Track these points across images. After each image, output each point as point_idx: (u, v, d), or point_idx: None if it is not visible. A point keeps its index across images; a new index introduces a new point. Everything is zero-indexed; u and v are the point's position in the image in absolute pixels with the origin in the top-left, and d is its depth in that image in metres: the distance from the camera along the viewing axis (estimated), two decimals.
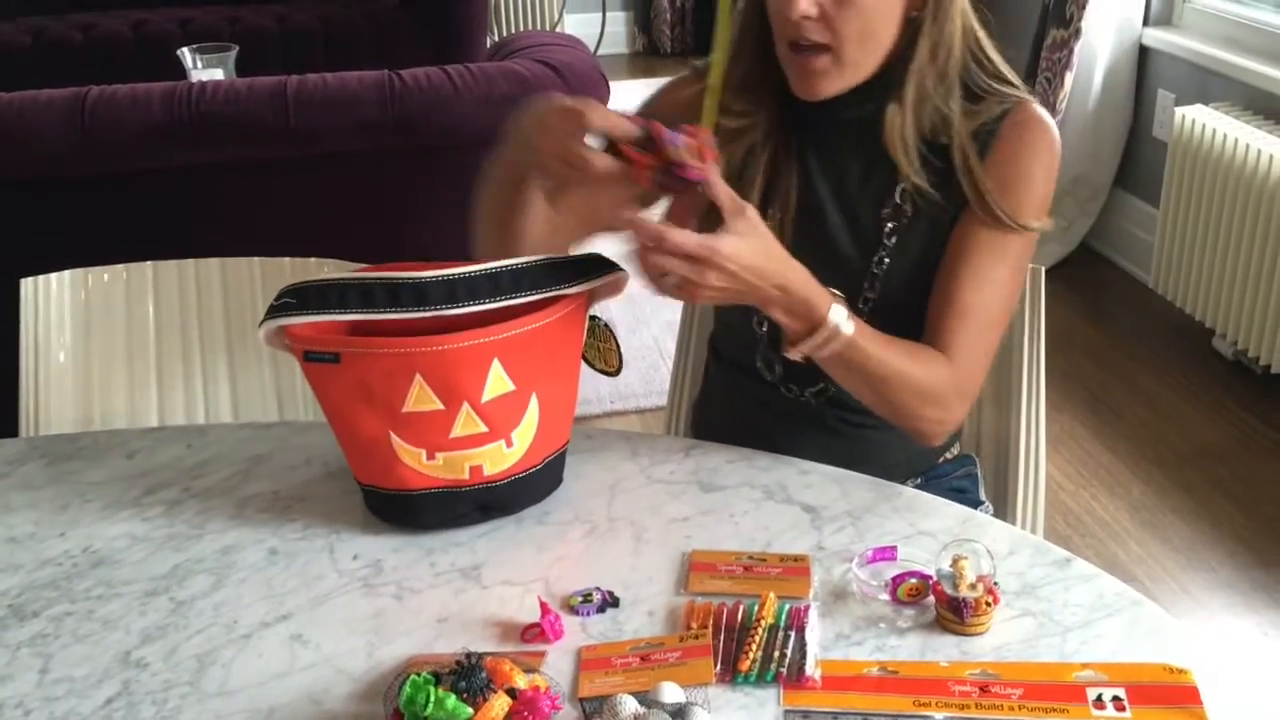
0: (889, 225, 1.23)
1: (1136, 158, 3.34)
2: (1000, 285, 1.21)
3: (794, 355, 1.11)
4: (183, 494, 1.17)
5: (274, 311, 1.05)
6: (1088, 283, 3.34)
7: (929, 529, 1.08)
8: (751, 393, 1.34)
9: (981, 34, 1.21)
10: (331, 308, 1.03)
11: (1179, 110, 2.91)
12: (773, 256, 1.05)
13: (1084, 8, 3.08)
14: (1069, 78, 3.16)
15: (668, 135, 1.00)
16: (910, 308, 1.23)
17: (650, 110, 1.30)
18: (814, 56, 1.15)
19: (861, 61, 1.16)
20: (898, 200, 1.23)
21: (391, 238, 2.35)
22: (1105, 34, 3.19)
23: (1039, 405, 1.43)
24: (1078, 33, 3.11)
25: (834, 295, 1.10)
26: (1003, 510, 1.45)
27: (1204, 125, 2.80)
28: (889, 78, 1.18)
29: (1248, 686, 0.89)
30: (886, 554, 1.03)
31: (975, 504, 1.36)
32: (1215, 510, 2.38)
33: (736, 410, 1.37)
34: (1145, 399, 2.79)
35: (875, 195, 1.24)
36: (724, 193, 1.02)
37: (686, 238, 0.99)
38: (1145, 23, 3.24)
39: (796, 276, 1.07)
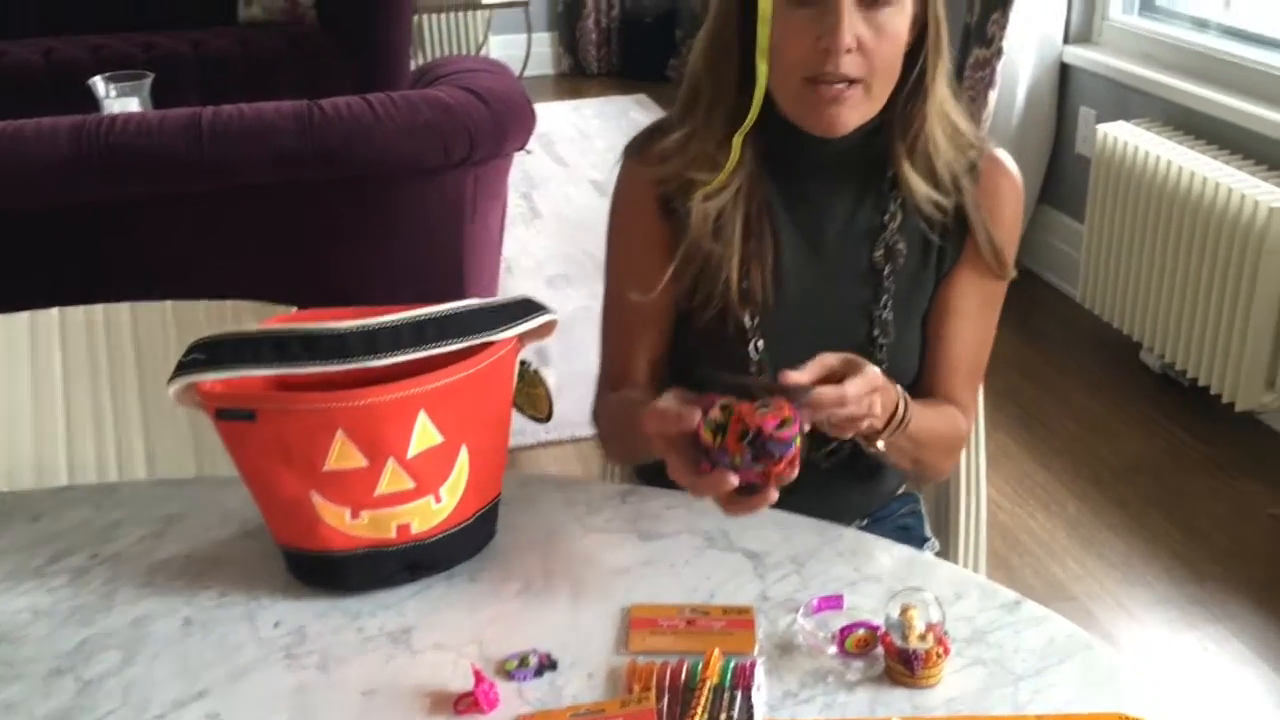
0: (887, 267, 1.20)
1: (1060, 174, 3.38)
2: (990, 333, 1.27)
3: (876, 448, 1.11)
4: (90, 560, 1.10)
5: (183, 368, 0.99)
6: (1015, 299, 3.31)
7: (874, 573, 1.05)
8: None
9: None
10: (245, 363, 0.98)
11: (1100, 127, 2.94)
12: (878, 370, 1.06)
13: (1005, 27, 3.11)
14: (993, 96, 3.18)
15: (779, 453, 0.94)
16: (909, 345, 1.23)
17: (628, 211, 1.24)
18: (844, 87, 1.09)
19: (883, 95, 1.12)
20: (889, 241, 1.20)
21: (313, 271, 2.29)
22: (1027, 52, 3.23)
23: (979, 433, 1.41)
24: (999, 52, 3.14)
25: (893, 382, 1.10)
26: (945, 539, 1.43)
27: (1125, 141, 2.83)
28: (887, 114, 1.14)
29: None
30: (832, 603, 1.00)
31: (921, 540, 1.34)
32: (1150, 525, 2.39)
33: None
34: (1077, 414, 2.81)
35: (862, 238, 1.20)
36: (809, 376, 0.99)
37: (858, 386, 1.00)
38: (1066, 40, 3.28)
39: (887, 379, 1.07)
